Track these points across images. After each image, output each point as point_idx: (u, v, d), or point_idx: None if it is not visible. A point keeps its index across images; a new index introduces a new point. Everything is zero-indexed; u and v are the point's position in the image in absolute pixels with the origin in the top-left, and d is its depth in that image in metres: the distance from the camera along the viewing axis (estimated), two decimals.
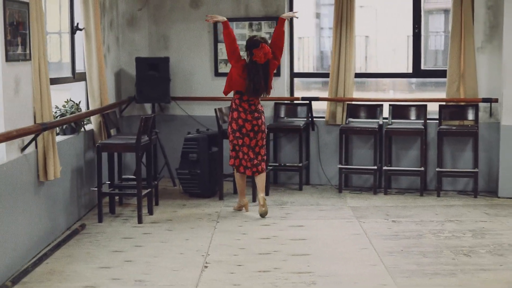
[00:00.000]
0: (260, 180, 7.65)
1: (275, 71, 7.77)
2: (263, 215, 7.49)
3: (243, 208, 7.81)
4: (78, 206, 7.42)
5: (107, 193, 7.57)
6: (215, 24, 9.32)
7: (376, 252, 6.20)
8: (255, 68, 7.42)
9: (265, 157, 7.74)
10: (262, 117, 7.65)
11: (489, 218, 7.46)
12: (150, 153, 7.75)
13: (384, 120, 8.99)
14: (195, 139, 8.46)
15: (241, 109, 7.53)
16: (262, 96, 7.60)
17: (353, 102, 9.12)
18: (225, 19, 7.64)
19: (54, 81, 6.89)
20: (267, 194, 8.55)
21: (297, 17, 8.00)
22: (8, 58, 5.58)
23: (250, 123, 7.53)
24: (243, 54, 7.65)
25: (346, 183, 9.11)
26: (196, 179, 8.44)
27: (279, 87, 9.26)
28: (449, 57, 8.70)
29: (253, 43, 7.44)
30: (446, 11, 11.50)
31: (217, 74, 9.37)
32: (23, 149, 5.90)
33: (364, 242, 6.55)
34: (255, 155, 7.62)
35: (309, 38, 13.16)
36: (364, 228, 7.02)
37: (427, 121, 8.85)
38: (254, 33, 9.02)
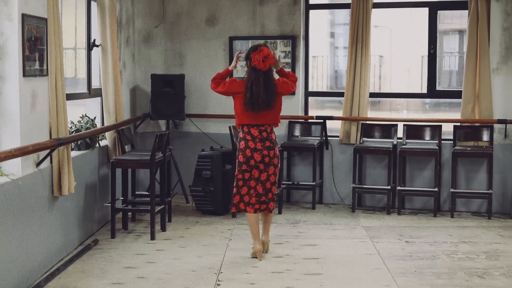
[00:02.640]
0: (269, 219, 6.75)
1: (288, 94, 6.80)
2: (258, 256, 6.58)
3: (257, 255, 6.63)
4: (91, 222, 7.43)
5: (120, 209, 7.59)
6: (231, 42, 9.38)
7: (390, 272, 6.17)
8: (254, 75, 6.45)
9: (275, 197, 6.84)
10: (276, 148, 6.61)
11: (503, 240, 7.41)
12: (164, 170, 7.76)
13: (399, 140, 8.98)
14: (209, 156, 8.47)
15: (249, 137, 6.53)
16: (267, 109, 6.47)
17: (368, 122, 9.11)
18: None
19: (70, 97, 6.94)
20: (279, 212, 8.55)
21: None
22: (25, 74, 5.62)
23: (259, 153, 6.51)
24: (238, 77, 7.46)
25: (359, 203, 9.09)
26: (209, 196, 8.44)
27: (293, 106, 9.28)
28: (464, 78, 8.69)
29: (252, 48, 6.52)
30: (460, 31, 11.51)
31: None
32: (38, 164, 5.93)
33: (378, 262, 6.52)
34: (265, 191, 6.60)
35: (323, 57, 13.20)
36: (377, 248, 6.99)
37: (442, 141, 8.83)
38: None
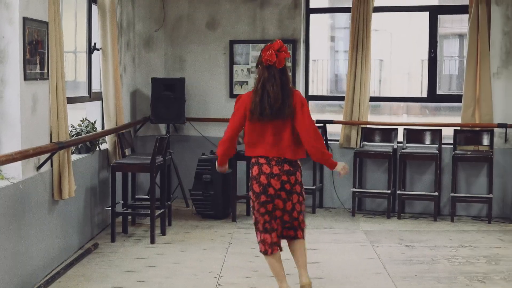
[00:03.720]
0: (300, 248, 5.46)
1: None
2: None
3: None
4: (91, 225, 7.42)
5: (120, 213, 7.58)
6: (231, 45, 9.37)
7: (390, 277, 6.16)
8: (267, 72, 5.22)
9: (303, 225, 5.44)
10: (298, 174, 5.29)
11: (503, 244, 7.41)
12: (164, 174, 7.76)
13: (399, 144, 8.98)
14: (209, 160, 8.47)
15: (262, 160, 5.24)
16: (281, 117, 5.18)
17: (368, 126, 9.12)
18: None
19: (70, 100, 6.93)
20: None
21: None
22: (26, 77, 5.62)
23: (278, 179, 5.21)
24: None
25: (359, 207, 9.09)
26: (209, 200, 8.43)
27: None
28: (464, 82, 8.69)
29: (262, 50, 5.38)
30: (460, 36, 11.52)
31: (232, 95, 9.37)
32: (38, 167, 5.93)
33: (378, 266, 6.51)
34: (291, 218, 5.35)
35: (323, 61, 13.20)
36: (378, 253, 6.98)
37: (442, 145, 8.83)
38: None
